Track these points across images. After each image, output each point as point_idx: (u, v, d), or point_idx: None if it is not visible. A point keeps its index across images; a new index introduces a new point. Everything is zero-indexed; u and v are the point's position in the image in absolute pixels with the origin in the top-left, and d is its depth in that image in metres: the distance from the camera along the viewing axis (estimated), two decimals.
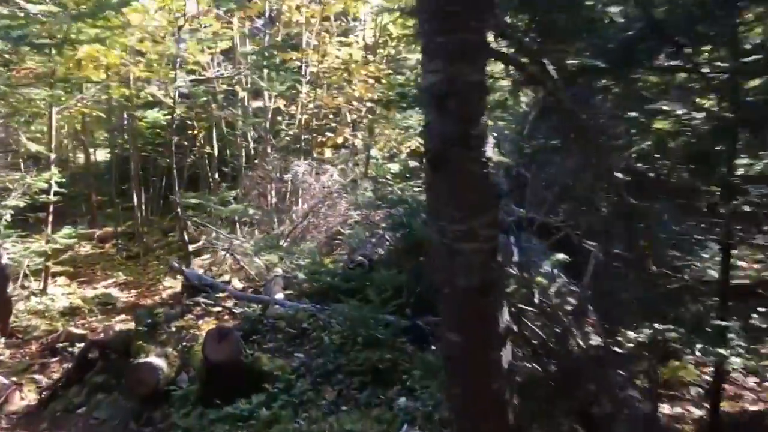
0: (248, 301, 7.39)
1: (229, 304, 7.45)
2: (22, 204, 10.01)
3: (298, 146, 12.33)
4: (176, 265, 8.05)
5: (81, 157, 19.70)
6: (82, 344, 8.16)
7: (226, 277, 9.07)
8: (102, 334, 8.39)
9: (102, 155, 22.35)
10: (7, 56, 8.57)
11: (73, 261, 14.13)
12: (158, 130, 17.29)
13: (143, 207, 15.74)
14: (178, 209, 8.56)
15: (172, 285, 12.15)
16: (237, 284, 8.69)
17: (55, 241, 10.55)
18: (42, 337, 8.62)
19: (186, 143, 18.06)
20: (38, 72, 9.37)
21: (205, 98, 11.64)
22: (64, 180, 10.93)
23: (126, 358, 6.58)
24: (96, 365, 6.68)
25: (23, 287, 11.16)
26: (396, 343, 6.43)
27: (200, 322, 7.03)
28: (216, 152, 14.19)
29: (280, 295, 7.82)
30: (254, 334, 6.58)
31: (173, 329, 6.76)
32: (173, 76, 10.14)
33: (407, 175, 13.27)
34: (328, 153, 11.78)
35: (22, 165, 11.59)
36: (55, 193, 10.88)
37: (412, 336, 6.78)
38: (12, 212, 9.88)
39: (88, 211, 17.80)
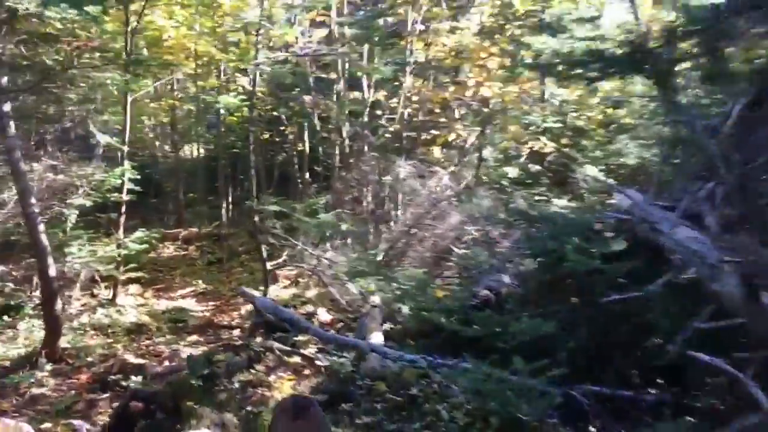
0: (337, 345, 5.53)
1: (312, 349, 5.62)
2: (88, 203, 8.69)
3: (398, 144, 10.41)
4: (246, 292, 6.33)
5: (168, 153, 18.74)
6: (138, 378, 6.70)
7: (310, 308, 7.28)
8: (158, 367, 6.87)
9: (194, 151, 21.59)
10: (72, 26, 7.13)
11: (154, 263, 13.00)
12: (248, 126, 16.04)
13: (230, 207, 14.40)
14: (255, 218, 6.81)
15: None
16: (323, 316, 6.89)
17: (127, 247, 9.18)
18: (95, 363, 7.17)
19: (277, 140, 16.73)
20: (105, 46, 7.95)
21: (291, 82, 9.83)
22: (138, 177, 9.53)
23: (174, 418, 4.90)
24: (137, 423, 5.03)
25: (93, 295, 9.94)
26: (545, 426, 4.44)
27: (272, 376, 5.24)
28: (308, 149, 12.55)
29: (377, 337, 5.93)
30: (344, 400, 4.71)
31: (236, 384, 5.01)
32: (253, 54, 8.40)
33: (528, 181, 11.08)
34: (436, 152, 9.78)
35: (96, 160, 10.29)
36: (129, 192, 9.55)
37: (564, 412, 4.77)
38: (77, 212, 8.56)
39: (175, 209, 16.76)
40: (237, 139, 15.47)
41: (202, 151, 17.28)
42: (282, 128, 15.98)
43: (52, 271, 6.71)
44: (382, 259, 7.33)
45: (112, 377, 6.81)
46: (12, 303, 9.20)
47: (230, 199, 14.43)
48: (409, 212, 8.49)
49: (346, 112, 10.63)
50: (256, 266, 12.73)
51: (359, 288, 6.74)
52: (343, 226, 7.15)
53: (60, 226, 8.70)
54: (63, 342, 7.47)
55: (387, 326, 6.52)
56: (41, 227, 6.69)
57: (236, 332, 8.92)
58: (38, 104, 8.77)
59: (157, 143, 17.67)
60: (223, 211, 14.50)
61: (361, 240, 8.25)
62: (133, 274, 10.89)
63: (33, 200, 6.69)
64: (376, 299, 6.73)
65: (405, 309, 6.20)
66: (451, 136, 9.65)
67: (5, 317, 8.84)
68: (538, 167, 11.63)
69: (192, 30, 11.96)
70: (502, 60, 9.10)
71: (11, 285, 9.34)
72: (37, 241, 6.62)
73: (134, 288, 10.59)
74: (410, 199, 8.60)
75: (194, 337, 8.60)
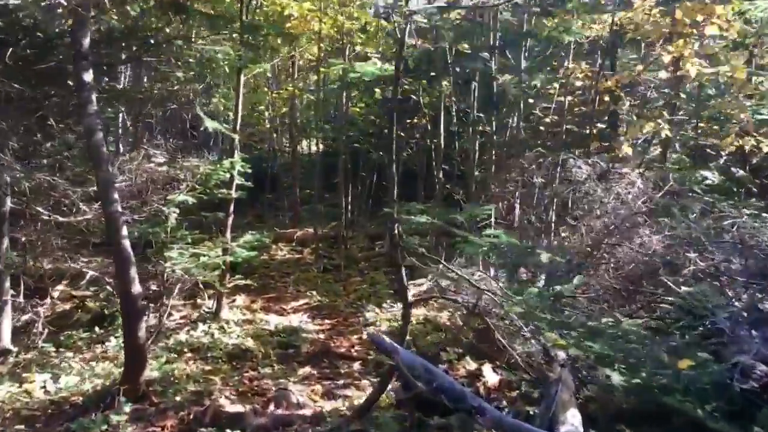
0: None
1: None
2: (191, 200, 7.19)
3: (566, 139, 8.13)
4: (382, 340, 4.38)
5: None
6: None
7: (472, 365, 5.24)
8: (261, 417, 5.15)
9: (311, 145, 20.30)
10: None
11: (265, 266, 11.58)
12: (373, 118, 14.34)
13: (349, 207, 12.72)
14: (396, 230, 4.87)
15: (377, 319, 8.81)
16: (490, 375, 4.85)
17: (234, 252, 7.64)
18: (185, 405, 5.58)
19: (402, 134, 14.92)
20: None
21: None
22: (250, 170, 7.97)
23: None
24: None
25: (195, 305, 8.53)
26: None
27: None
28: (442, 143, 10.57)
29: (573, 418, 3.82)
30: None
31: None
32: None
33: (735, 189, 8.46)
34: (626, 149, 7.38)
35: (206, 150, 8.86)
36: (239, 188, 8.03)
37: None
38: (177, 210, 7.08)
39: (290, 206, 15.40)
40: (360, 132, 13.83)
41: (321, 145, 15.83)
42: (409, 122, 14.20)
43: (136, 288, 5.15)
44: (563, 294, 5.15)
45: (204, 429, 5.19)
46: (106, 311, 7.98)
47: (350, 199, 12.74)
48: (591, 225, 6.23)
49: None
50: (377, 276, 10.98)
51: (539, 338, 4.62)
52: (544, 257, 5.04)
53: (161, 225, 7.28)
54: (150, 369, 5.99)
55: (583, 395, 4.39)
56: (124, 230, 5.16)
57: (357, 365, 7.14)
58: (137, 82, 7.38)
59: (275, 135, 16.41)
60: (342, 210, 12.90)
61: (522, 257, 6.10)
62: (241, 281, 9.48)
63: (116, 195, 5.17)
64: (560, 354, 4.60)
65: (616, 378, 4.02)
66: (646, 128, 7.21)
67: (97, 328, 7.59)
68: (741, 172, 8.95)
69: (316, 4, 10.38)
70: (729, 24, 6.56)
71: (108, 288, 8.12)
72: (119, 247, 5.10)
73: (241, 299, 9.10)
74: (592, 208, 6.34)
75: (306, 369, 6.87)
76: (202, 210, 7.98)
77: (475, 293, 4.63)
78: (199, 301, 8.54)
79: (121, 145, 10.33)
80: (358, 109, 13.63)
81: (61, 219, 6.71)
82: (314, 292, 9.90)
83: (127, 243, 5.14)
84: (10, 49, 4.92)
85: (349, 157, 12.47)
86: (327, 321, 8.86)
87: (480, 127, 9.01)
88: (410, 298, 4.81)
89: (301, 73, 14.30)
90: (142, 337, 5.23)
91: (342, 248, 12.15)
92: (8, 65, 4.99)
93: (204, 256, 7.39)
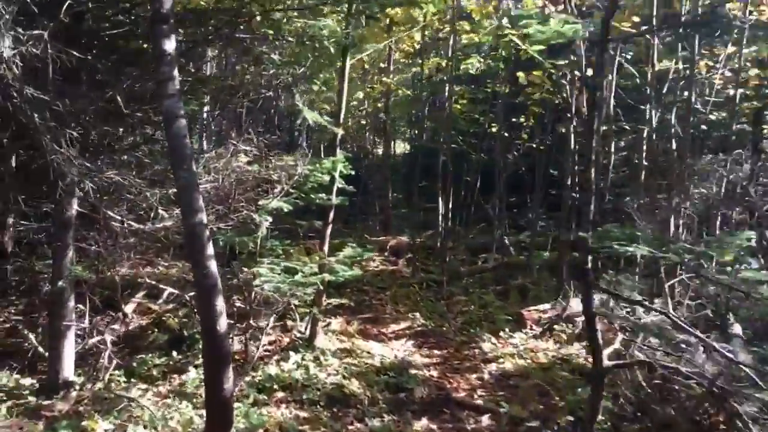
0: None
1: None
2: (287, 207, 5.91)
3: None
4: None
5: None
6: None
7: None
8: None
9: (406, 144, 18.90)
10: None
11: (358, 280, 10.24)
12: (477, 117, 12.79)
13: (449, 214, 11.21)
14: (587, 262, 3.30)
15: (497, 352, 7.28)
16: None
17: (332, 269, 6.31)
18: None
19: (506, 134, 13.28)
20: None
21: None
22: (352, 172, 6.62)
23: None
24: None
25: (285, 329, 7.25)
26: None
27: None
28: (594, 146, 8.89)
29: None
30: None
31: None
32: None
33: None
34: None
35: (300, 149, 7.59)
36: (340, 192, 6.71)
37: None
38: (270, 219, 5.83)
39: (382, 210, 14.08)
40: (460, 132, 12.33)
41: (410, 146, 14.46)
42: (516, 119, 12.58)
43: (222, 325, 3.84)
44: None
45: None
46: (185, 332, 6.82)
47: (450, 205, 11.23)
48: None
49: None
50: (487, 297, 9.42)
51: None
52: None
53: (251, 236, 6.04)
54: (236, 416, 4.72)
55: None
56: (210, 249, 3.86)
57: (486, 419, 5.63)
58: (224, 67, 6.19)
59: (367, 134, 15.12)
60: (440, 217, 11.43)
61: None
62: (335, 300, 8.18)
63: (200, 201, 3.89)
64: None
65: None
66: None
67: (174, 353, 6.42)
68: None
69: None
70: None
71: (190, 302, 6.97)
72: (204, 272, 3.81)
73: (336, 322, 7.79)
74: None
75: (424, 423, 5.43)
76: (296, 217, 6.70)
77: (710, 362, 3.03)
78: (289, 323, 7.27)
79: (205, 141, 9.25)
80: (459, 106, 12.13)
81: (136, 225, 5.54)
82: (417, 314, 8.46)
83: (213, 266, 3.84)
84: (68, 2, 3.71)
85: (450, 159, 10.96)
86: (436, 352, 7.40)
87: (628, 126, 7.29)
88: (605, 362, 3.24)
89: (396, 66, 12.92)
90: (229, 390, 3.93)
91: (441, 261, 10.67)
92: (69, 27, 3.83)
93: (298, 272, 6.12)
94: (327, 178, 6.49)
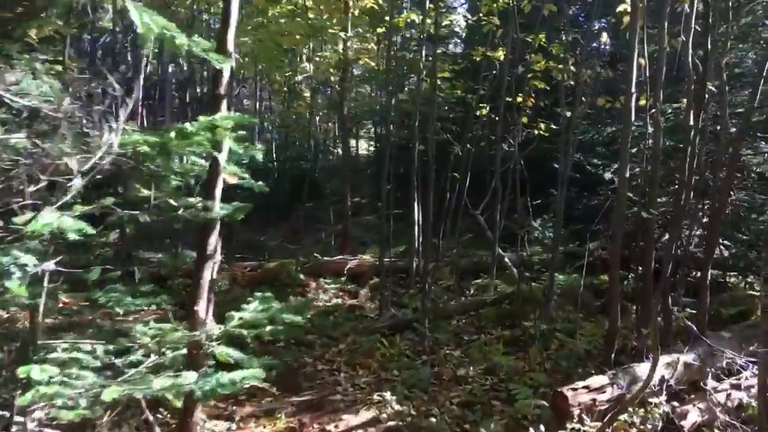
0: None
1: None
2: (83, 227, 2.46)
3: None
4: None
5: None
6: None
7: None
8: None
9: (367, 146, 15.69)
10: None
11: (295, 326, 6.84)
12: (462, 94, 9.47)
13: (428, 224, 7.81)
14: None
15: None
16: None
17: (221, 356, 2.91)
18: None
19: (498, 118, 9.96)
20: None
21: None
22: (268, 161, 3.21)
23: None
24: None
25: None
26: None
27: None
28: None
29: None
30: None
31: None
32: None
33: None
34: None
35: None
36: (233, 196, 3.35)
37: None
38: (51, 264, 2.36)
39: (338, 220, 10.63)
40: (440, 118, 9.05)
41: (376, 143, 11.14)
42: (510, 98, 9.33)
43: None
44: None
45: None
46: None
47: (429, 212, 7.85)
48: None
49: None
50: (495, 355, 6.07)
51: None
52: None
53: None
54: None
55: None
56: None
57: None
58: None
59: (318, 123, 11.71)
60: (416, 228, 8.11)
61: None
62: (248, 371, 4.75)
63: None
64: None
65: None
66: None
67: None
68: None
69: None
70: None
71: None
72: None
73: (243, 417, 4.34)
74: None
75: None
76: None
77: None
78: None
79: None
80: (438, 82, 8.82)
81: None
82: (386, 393, 5.04)
83: None
84: None
85: (429, 151, 7.62)
86: None
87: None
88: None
89: (356, 29, 9.52)
90: None
91: (420, 290, 7.33)
92: None
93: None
94: (202, 162, 3.10)
